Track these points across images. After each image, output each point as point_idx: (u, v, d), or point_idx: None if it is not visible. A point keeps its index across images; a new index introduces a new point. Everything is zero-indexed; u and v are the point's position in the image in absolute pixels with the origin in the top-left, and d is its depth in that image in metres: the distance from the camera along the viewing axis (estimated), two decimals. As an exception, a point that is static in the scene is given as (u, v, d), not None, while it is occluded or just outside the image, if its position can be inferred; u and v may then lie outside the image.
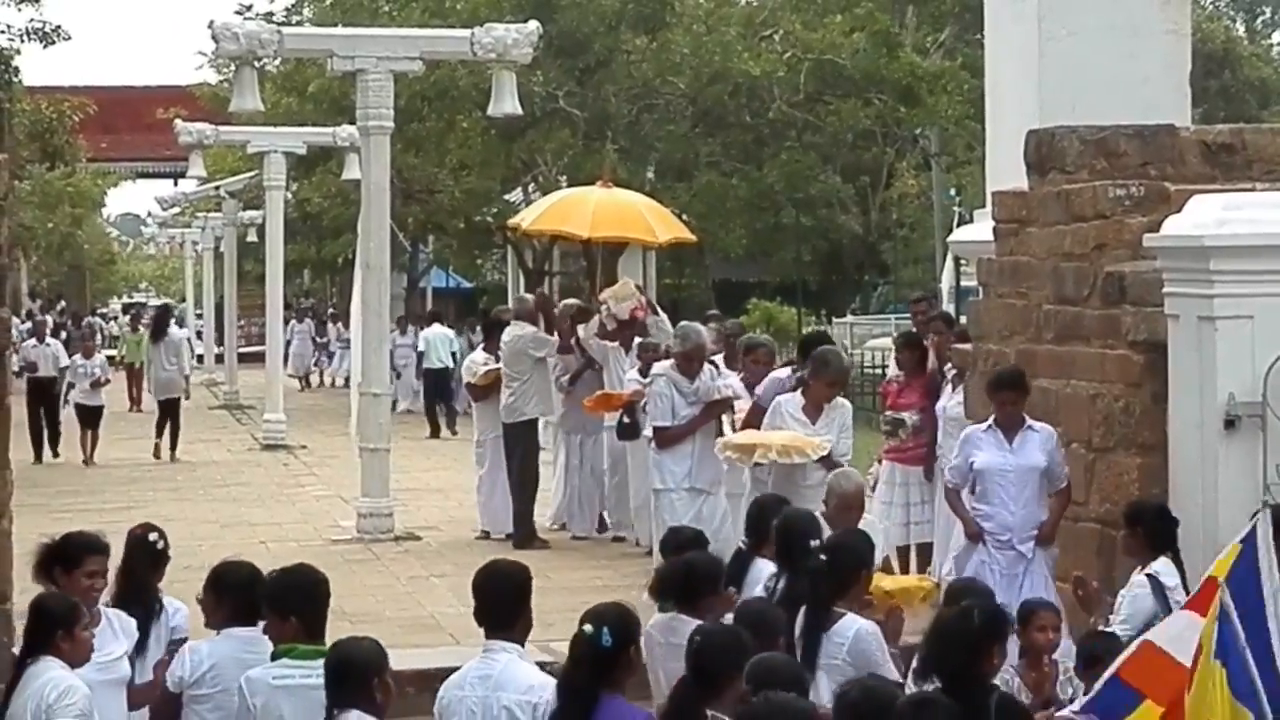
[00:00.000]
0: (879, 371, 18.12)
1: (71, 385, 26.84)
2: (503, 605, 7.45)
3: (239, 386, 36.90)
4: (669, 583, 8.56)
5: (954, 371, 13.84)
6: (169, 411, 26.64)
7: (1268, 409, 9.28)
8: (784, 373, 14.04)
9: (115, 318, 59.25)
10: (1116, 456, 10.52)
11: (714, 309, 24.69)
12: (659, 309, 18.60)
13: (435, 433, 29.89)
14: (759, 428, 13.21)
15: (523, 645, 7.44)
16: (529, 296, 20.10)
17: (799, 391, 12.71)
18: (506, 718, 7.24)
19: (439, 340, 32.04)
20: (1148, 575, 9.17)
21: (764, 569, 9.66)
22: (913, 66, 33.12)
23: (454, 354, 31.05)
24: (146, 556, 9.14)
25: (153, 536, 9.19)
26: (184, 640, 9.24)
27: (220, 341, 41.10)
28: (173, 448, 26.47)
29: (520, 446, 17.58)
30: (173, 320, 32.03)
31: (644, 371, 16.09)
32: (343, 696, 6.95)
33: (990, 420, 11.16)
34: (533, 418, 17.70)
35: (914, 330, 15.29)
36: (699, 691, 6.94)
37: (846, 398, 13.21)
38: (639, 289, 19.01)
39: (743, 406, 13.96)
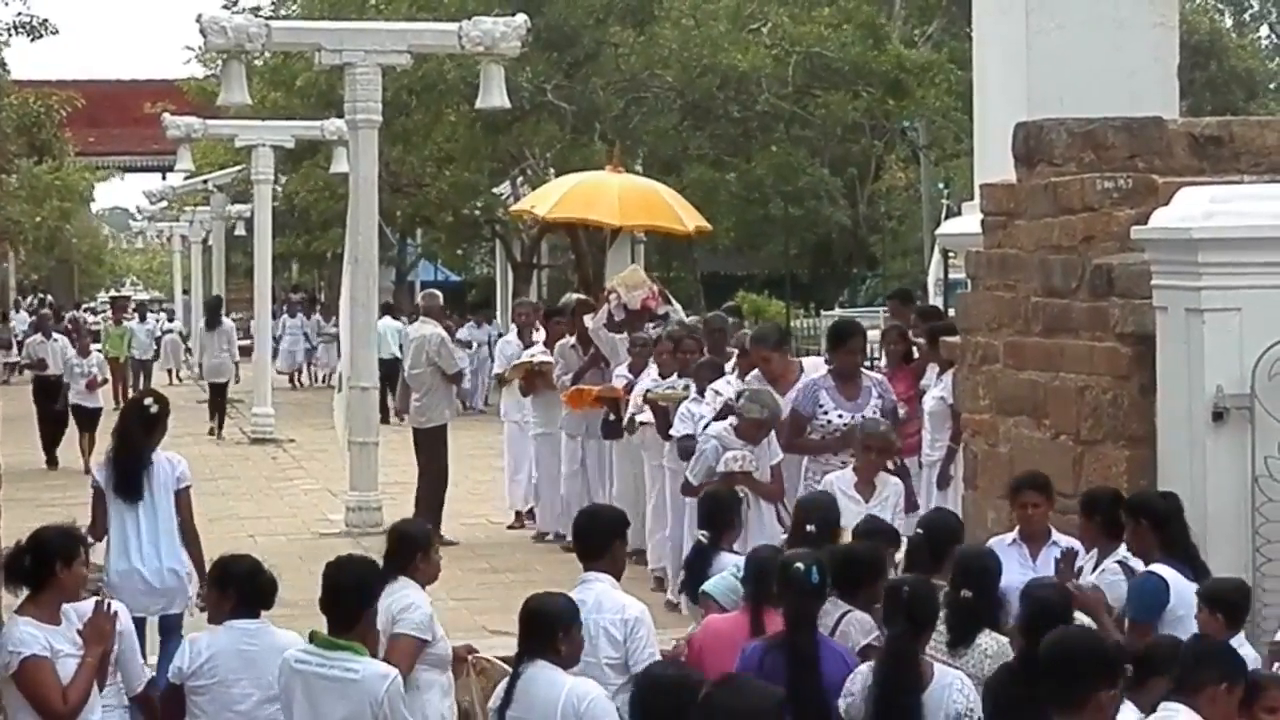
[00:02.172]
0: (869, 365, 17.99)
1: (68, 385, 25.24)
2: (595, 540, 8.61)
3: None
4: (832, 568, 8.40)
5: (936, 368, 13.85)
6: (221, 394, 29.43)
7: (1256, 401, 9.27)
8: (819, 367, 13.48)
9: (102, 311, 59.02)
10: (1105, 449, 10.50)
11: (703, 302, 24.38)
12: (671, 298, 17.55)
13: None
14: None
15: (616, 578, 8.52)
16: (438, 293, 19.57)
17: (849, 469, 11.85)
18: (604, 636, 8.30)
19: (389, 332, 32.06)
20: (1119, 562, 9.16)
21: (726, 562, 9.63)
22: (900, 59, 33.10)
23: (403, 345, 30.98)
24: (140, 420, 10.17)
25: (147, 401, 10.25)
26: (189, 487, 10.53)
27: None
28: (220, 425, 29.11)
29: (429, 455, 17.38)
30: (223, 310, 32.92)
31: (633, 368, 15.87)
32: (530, 647, 7.54)
33: (1015, 533, 10.15)
34: (443, 424, 17.44)
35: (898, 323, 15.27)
36: (915, 638, 7.75)
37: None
38: (651, 277, 18.51)
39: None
